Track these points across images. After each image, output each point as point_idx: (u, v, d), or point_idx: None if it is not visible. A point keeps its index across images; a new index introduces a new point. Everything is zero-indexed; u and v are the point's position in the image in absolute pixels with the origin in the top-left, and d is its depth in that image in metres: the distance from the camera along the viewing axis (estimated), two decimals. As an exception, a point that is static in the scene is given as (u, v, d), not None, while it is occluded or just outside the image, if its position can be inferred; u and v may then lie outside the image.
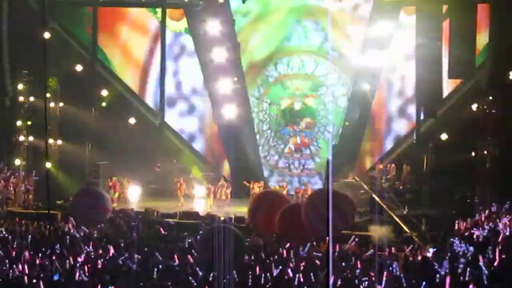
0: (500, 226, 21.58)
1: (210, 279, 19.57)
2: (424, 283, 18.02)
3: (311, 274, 19.88)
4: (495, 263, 17.97)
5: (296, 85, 38.36)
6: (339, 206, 23.29)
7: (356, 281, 19.67)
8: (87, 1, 37.17)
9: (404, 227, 29.54)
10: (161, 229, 27.00)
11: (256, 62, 38.16)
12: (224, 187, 34.03)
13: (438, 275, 18.09)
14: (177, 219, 29.85)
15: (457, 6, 30.04)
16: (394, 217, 30.32)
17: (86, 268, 20.70)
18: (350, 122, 36.46)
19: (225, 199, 33.58)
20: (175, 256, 21.87)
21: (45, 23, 34.37)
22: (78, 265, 21.05)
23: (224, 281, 19.36)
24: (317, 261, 21.80)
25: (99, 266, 21.16)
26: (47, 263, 20.91)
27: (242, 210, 29.69)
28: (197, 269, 20.43)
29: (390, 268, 21.17)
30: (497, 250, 18.70)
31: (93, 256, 22.35)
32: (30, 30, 32.15)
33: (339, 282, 19.31)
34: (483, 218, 23.84)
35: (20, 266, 20.66)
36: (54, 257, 20.90)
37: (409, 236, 28.54)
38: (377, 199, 29.73)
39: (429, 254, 21.67)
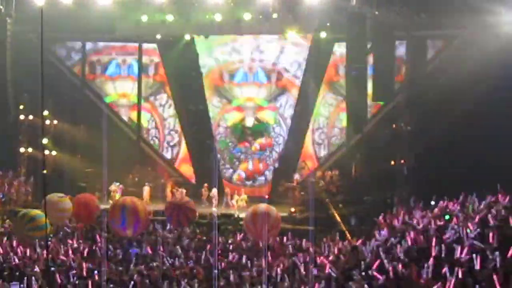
0: (414, 221, 21.98)
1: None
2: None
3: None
4: (409, 251, 18.42)
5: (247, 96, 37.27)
6: None
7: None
8: (76, 37, 37.16)
9: (338, 222, 30.02)
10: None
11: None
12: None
13: (363, 262, 18.43)
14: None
15: (378, 43, 30.68)
16: (329, 214, 30.78)
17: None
18: (294, 132, 36.74)
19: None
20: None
21: (42, 55, 34.22)
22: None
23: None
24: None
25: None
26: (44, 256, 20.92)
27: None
28: None
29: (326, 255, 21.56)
30: (409, 239, 19.20)
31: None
32: (29, 60, 31.98)
33: (278, 271, 19.53)
34: (401, 214, 24.20)
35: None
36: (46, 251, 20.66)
37: (342, 230, 29.03)
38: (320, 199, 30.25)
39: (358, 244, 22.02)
